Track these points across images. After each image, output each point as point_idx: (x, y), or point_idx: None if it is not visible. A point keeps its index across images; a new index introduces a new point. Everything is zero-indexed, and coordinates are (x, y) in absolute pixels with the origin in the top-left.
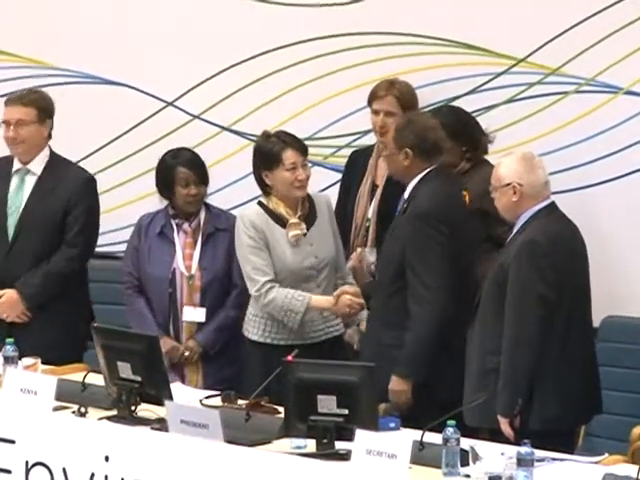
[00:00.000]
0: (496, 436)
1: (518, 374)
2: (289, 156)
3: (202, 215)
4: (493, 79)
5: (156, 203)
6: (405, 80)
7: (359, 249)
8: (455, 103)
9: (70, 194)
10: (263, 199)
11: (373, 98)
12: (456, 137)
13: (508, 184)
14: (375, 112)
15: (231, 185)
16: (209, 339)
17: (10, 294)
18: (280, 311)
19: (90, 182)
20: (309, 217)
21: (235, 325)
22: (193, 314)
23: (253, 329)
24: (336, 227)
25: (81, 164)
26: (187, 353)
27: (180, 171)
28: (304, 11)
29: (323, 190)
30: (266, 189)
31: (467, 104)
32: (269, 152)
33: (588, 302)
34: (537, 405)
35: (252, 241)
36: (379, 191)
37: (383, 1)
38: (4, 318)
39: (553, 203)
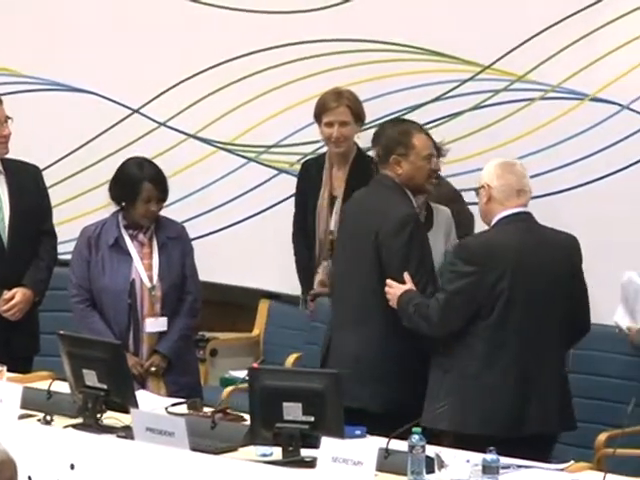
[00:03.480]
0: (463, 442)
1: None
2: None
3: (153, 225)
4: (459, 86)
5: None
6: (348, 88)
7: (324, 262)
8: (421, 110)
9: (36, 186)
10: None
11: (323, 110)
12: None
13: (482, 186)
14: (328, 124)
15: (198, 192)
16: (173, 350)
17: (23, 292)
18: None
19: (40, 170)
20: (424, 225)
21: (191, 332)
22: (156, 325)
23: None
24: (453, 239)
25: (48, 172)
26: (153, 369)
27: (146, 187)
28: (270, 19)
29: (289, 197)
30: None
31: (433, 111)
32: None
33: (545, 316)
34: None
35: None
36: (338, 203)
37: (350, 9)
38: (12, 318)
39: (523, 213)
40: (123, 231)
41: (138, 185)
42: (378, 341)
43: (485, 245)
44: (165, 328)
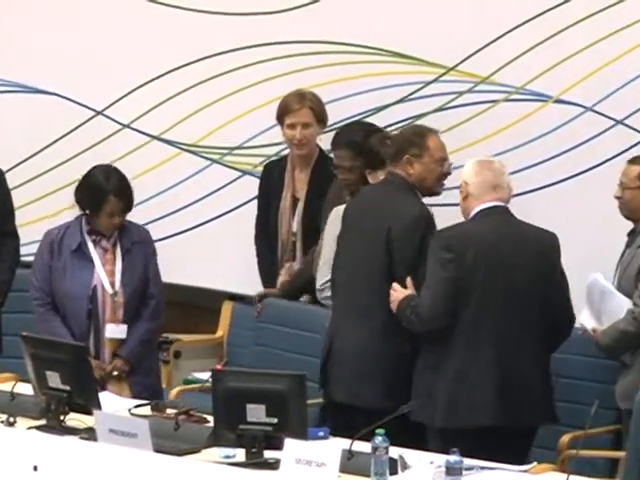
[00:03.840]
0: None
1: None
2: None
3: (115, 232)
4: (423, 88)
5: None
6: (310, 90)
7: (287, 264)
8: (385, 111)
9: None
10: None
11: (286, 112)
12: (361, 156)
13: (461, 184)
14: (291, 126)
15: (162, 194)
16: (134, 354)
17: None
18: None
19: (3, 172)
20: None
21: (154, 335)
22: (116, 331)
23: None
24: None
25: (11, 174)
26: (115, 373)
27: (111, 200)
28: (232, 20)
29: (253, 199)
30: None
31: (397, 112)
32: (377, 153)
33: (521, 308)
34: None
35: (335, 237)
36: (301, 205)
37: (312, 10)
38: None
39: (500, 207)
40: (86, 236)
41: (103, 198)
42: (384, 339)
43: (461, 233)
44: (124, 335)
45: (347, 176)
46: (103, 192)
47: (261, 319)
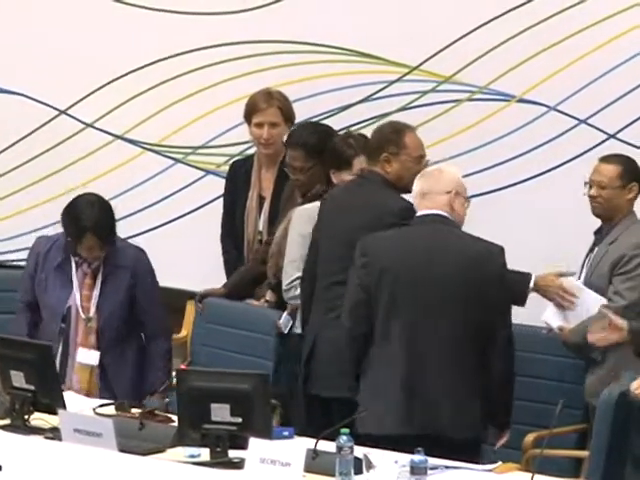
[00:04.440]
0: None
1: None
2: (359, 162)
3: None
4: (387, 87)
5: (47, 213)
6: (278, 89)
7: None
8: (349, 111)
9: None
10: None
11: (253, 111)
12: (318, 157)
13: None
14: (258, 125)
15: (125, 193)
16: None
17: None
18: None
19: None
20: None
21: (170, 354)
22: (87, 357)
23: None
24: None
25: None
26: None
27: (88, 237)
28: (195, 20)
29: (217, 198)
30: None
31: (361, 112)
32: (342, 153)
33: (434, 317)
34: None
35: (299, 236)
36: (267, 204)
37: (276, 9)
38: None
39: (430, 215)
40: (70, 256)
41: (80, 234)
42: None
43: (381, 239)
44: (95, 362)
45: (298, 176)
46: (81, 228)
47: (207, 319)
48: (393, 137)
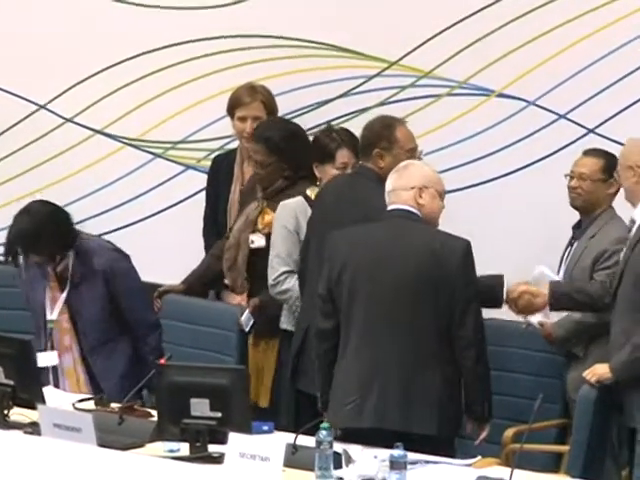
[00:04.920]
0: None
1: None
2: (342, 155)
3: (70, 259)
4: (365, 82)
5: None
6: (262, 84)
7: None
8: (328, 106)
9: None
10: (309, 191)
11: (237, 105)
12: (279, 153)
13: None
14: (241, 119)
15: (105, 188)
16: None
17: None
18: (295, 300)
19: None
20: None
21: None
22: (46, 359)
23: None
24: None
25: None
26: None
27: (29, 256)
28: (175, 14)
29: (197, 193)
30: (313, 180)
31: (340, 107)
32: (325, 147)
33: (392, 314)
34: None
35: (284, 230)
36: None
37: (254, 4)
38: None
39: (395, 210)
40: None
41: (9, 246)
42: None
43: (341, 234)
44: (54, 362)
45: (259, 170)
46: (7, 239)
47: (167, 316)
48: (384, 132)
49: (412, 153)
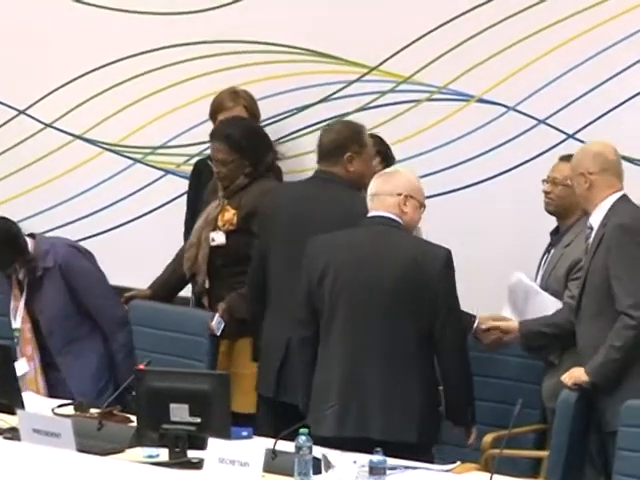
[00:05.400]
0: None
1: None
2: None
3: (25, 265)
4: (345, 87)
5: (5, 214)
6: (244, 88)
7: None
8: (308, 111)
9: None
10: None
11: (219, 109)
12: (240, 151)
13: None
14: None
15: (84, 193)
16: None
17: None
18: None
19: None
20: None
21: (129, 346)
22: (19, 367)
23: None
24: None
25: None
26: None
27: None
28: (155, 20)
29: (176, 198)
30: (272, 176)
31: (320, 112)
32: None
33: (372, 320)
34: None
35: None
36: None
37: (233, 10)
38: None
39: (376, 217)
40: None
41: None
42: None
43: (321, 240)
44: (23, 371)
45: (220, 169)
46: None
47: (135, 322)
48: (355, 136)
49: (373, 158)
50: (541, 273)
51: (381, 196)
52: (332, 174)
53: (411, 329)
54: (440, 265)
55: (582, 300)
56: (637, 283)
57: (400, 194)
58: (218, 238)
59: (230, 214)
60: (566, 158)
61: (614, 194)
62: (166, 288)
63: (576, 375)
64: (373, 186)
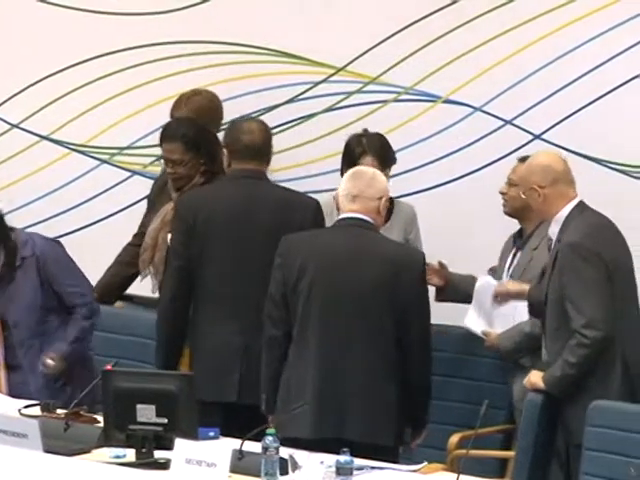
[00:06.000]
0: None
1: None
2: (366, 162)
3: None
4: (312, 88)
5: None
6: (207, 89)
7: None
8: (275, 112)
9: None
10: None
11: (179, 109)
12: (196, 150)
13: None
14: None
15: (51, 194)
16: (65, 352)
17: None
18: None
19: None
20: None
21: (87, 335)
22: None
23: None
24: (413, 236)
25: None
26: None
27: None
28: (122, 20)
29: (143, 199)
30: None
31: (286, 113)
32: (352, 151)
33: (348, 325)
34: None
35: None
36: None
37: (201, 10)
38: None
39: (355, 219)
40: None
41: None
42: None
43: (300, 241)
44: None
45: (177, 169)
46: None
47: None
48: (271, 133)
49: None
50: (509, 275)
51: (364, 199)
52: (260, 172)
53: (388, 330)
54: (417, 268)
55: (546, 313)
56: (589, 302)
57: (380, 198)
58: None
59: None
60: (524, 159)
61: (569, 203)
62: (110, 289)
63: (533, 381)
64: (353, 186)
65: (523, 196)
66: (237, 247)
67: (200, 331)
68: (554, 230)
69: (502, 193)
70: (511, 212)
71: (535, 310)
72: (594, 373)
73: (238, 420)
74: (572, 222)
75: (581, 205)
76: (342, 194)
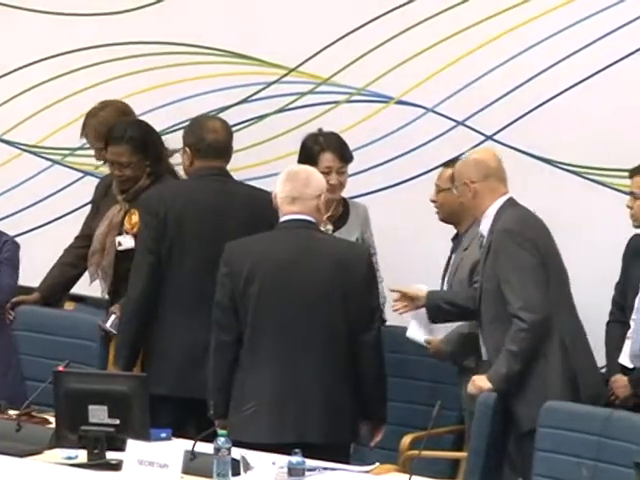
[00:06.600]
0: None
1: None
2: (326, 159)
3: None
4: (264, 89)
5: None
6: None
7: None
8: (227, 112)
9: None
10: None
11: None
12: (143, 151)
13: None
14: None
15: (2, 195)
16: None
17: None
18: None
19: None
20: (339, 220)
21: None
22: None
23: None
24: (368, 235)
25: None
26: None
27: None
28: (75, 21)
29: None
30: (173, 174)
31: (238, 114)
32: (309, 150)
33: (298, 327)
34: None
35: None
36: None
37: (154, 10)
38: None
39: (299, 220)
40: None
41: None
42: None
43: (242, 244)
44: None
45: (124, 172)
46: None
47: (23, 327)
48: (232, 131)
49: None
50: (447, 278)
51: (304, 200)
52: (228, 171)
53: (343, 330)
54: (365, 265)
55: (481, 306)
56: (525, 285)
57: (319, 195)
58: (126, 242)
59: (137, 217)
60: (449, 164)
61: (499, 199)
62: (54, 291)
63: (479, 385)
64: (291, 188)
65: (455, 192)
66: (208, 244)
67: (168, 326)
68: (484, 227)
69: (433, 201)
70: (445, 217)
71: (431, 314)
72: (535, 359)
73: (203, 415)
74: (503, 214)
75: (511, 200)
76: (280, 196)
